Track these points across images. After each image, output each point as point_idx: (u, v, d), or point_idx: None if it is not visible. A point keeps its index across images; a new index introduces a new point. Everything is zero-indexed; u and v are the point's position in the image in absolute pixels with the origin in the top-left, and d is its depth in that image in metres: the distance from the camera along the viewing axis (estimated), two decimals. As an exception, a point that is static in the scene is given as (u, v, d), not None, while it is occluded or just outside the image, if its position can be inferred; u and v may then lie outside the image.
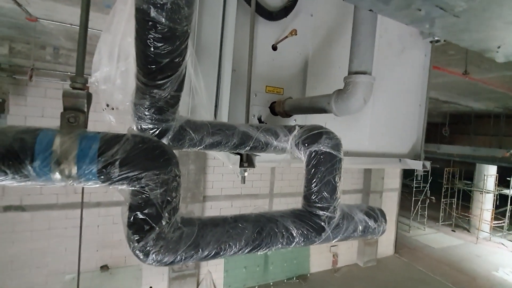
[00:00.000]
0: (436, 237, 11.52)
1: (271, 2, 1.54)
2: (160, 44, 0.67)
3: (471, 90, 7.26)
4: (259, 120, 1.57)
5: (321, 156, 1.03)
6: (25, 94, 5.49)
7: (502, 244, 10.94)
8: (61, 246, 5.41)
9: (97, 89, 2.38)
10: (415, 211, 12.49)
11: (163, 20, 0.62)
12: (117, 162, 0.68)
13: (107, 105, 2.44)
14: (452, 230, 12.34)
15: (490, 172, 11.35)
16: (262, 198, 7.52)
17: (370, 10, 0.91)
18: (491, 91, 6.74)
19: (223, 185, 6.82)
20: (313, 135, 1.07)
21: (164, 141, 1.00)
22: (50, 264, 5.39)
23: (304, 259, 7.67)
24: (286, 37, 1.48)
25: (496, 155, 8.03)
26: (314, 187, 1.02)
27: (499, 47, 1.09)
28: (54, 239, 5.39)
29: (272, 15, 1.49)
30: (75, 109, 0.70)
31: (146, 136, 0.77)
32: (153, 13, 0.61)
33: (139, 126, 0.94)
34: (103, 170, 0.68)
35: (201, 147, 1.09)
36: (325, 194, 1.02)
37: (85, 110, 0.71)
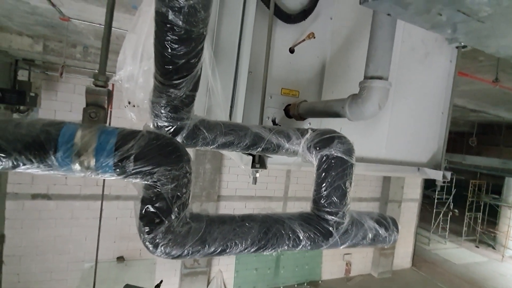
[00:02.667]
0: (457, 252, 10.95)
1: (290, 5, 1.55)
2: (177, 46, 0.70)
3: (502, 99, 6.86)
4: (273, 122, 1.58)
5: (332, 161, 1.03)
6: (56, 89, 5.83)
7: (532, 264, 10.21)
8: (82, 235, 5.68)
9: (120, 87, 2.49)
10: (436, 223, 11.94)
11: (180, 23, 0.65)
12: (132, 157, 0.72)
13: (129, 103, 2.54)
14: (476, 246, 11.68)
15: (521, 187, 10.65)
16: (276, 201, 7.50)
17: (388, 14, 0.90)
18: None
19: (238, 186, 6.87)
20: (325, 139, 1.07)
21: (178, 139, 1.03)
22: (71, 251, 5.67)
23: (316, 265, 7.55)
24: (304, 40, 1.48)
25: (528, 169, 7.53)
26: (324, 191, 1.02)
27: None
28: (76, 228, 5.67)
29: (291, 18, 1.50)
30: (96, 105, 0.74)
31: (160, 133, 0.80)
32: (171, 16, 0.64)
33: (156, 124, 0.98)
34: (119, 163, 0.71)
35: (214, 146, 1.12)
36: (334, 199, 1.01)
37: (105, 106, 0.76)
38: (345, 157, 1.03)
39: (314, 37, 1.45)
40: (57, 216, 5.57)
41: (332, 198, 1.01)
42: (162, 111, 0.92)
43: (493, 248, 11.36)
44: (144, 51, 2.57)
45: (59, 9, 3.80)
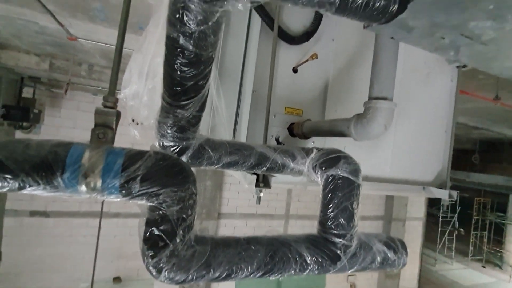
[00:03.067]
0: (464, 273, 10.61)
1: (293, 27, 1.59)
2: (186, 69, 0.71)
3: (504, 116, 6.89)
4: (277, 140, 1.58)
5: (339, 181, 1.01)
6: (60, 106, 5.91)
7: (542, 286, 9.86)
8: (79, 253, 5.55)
9: (125, 104, 2.53)
10: (442, 243, 11.65)
11: (191, 47, 0.66)
12: (139, 178, 0.71)
13: (133, 120, 2.57)
14: (483, 266, 11.33)
15: (526, 205, 10.47)
16: (278, 219, 7.37)
17: (392, 38, 0.92)
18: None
19: (239, 203, 6.78)
20: (331, 159, 1.06)
21: (184, 158, 1.03)
22: (68, 270, 5.52)
23: (320, 287, 7.30)
24: (307, 60, 1.51)
25: (534, 187, 7.44)
26: (331, 212, 1.00)
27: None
28: (74, 246, 5.55)
29: (294, 40, 1.54)
30: (105, 126, 0.74)
31: (167, 154, 0.80)
32: (181, 41, 0.65)
33: (161, 143, 0.98)
34: (125, 184, 0.71)
35: (219, 165, 1.12)
36: (341, 220, 0.99)
37: (114, 127, 0.76)
38: (351, 178, 1.01)
39: (317, 57, 1.48)
40: (55, 234, 5.47)
41: (340, 220, 0.99)
42: (169, 131, 0.93)
43: (500, 268, 11.01)
44: (150, 70, 2.63)
45: (67, 29, 3.92)
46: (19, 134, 5.56)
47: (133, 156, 0.74)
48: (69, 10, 3.24)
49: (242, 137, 1.55)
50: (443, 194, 1.97)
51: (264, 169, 1.16)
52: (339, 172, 1.02)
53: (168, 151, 1.00)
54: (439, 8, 0.72)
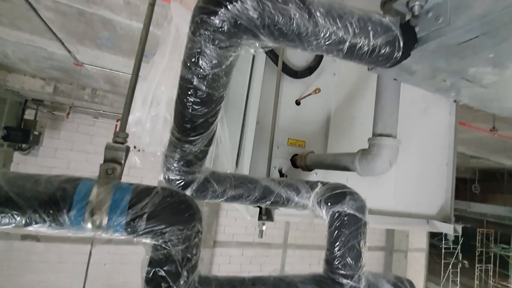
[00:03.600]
0: (472, 310, 10.09)
1: (296, 62, 1.66)
2: (198, 107, 0.73)
3: (501, 147, 6.96)
4: (280, 172, 1.57)
5: (345, 218, 1.00)
6: (59, 128, 5.95)
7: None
8: (68, 281, 5.29)
9: (127, 131, 2.54)
10: (446, 276, 11.21)
11: (204, 87, 0.69)
12: (145, 216, 0.70)
13: (134, 147, 2.58)
14: (491, 303, 10.81)
15: (530, 237, 10.23)
16: (275, 248, 7.13)
17: (395, 79, 0.96)
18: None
19: (235, 231, 6.60)
20: (337, 195, 1.05)
21: (188, 191, 1.02)
22: (55, 300, 5.23)
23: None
24: (310, 94, 1.55)
25: (536, 218, 7.33)
26: (337, 251, 0.97)
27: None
28: (63, 273, 5.31)
29: (297, 74, 1.59)
30: (114, 161, 0.74)
31: (174, 190, 0.79)
32: (195, 82, 0.68)
33: (167, 176, 0.98)
34: (131, 222, 0.69)
35: (223, 199, 1.10)
36: (349, 260, 0.96)
37: (123, 162, 0.76)
38: (358, 215, 1.00)
39: (320, 92, 1.52)
40: (45, 260, 5.25)
41: (347, 259, 0.96)
42: (175, 165, 0.93)
43: (509, 305, 10.50)
44: (154, 98, 2.68)
45: (75, 56, 4.05)
46: (17, 156, 5.53)
47: (141, 193, 0.73)
48: (78, 38, 3.37)
49: (245, 168, 1.55)
50: (448, 229, 1.94)
51: (268, 202, 1.15)
52: (346, 208, 1.01)
53: (173, 185, 1.00)
54: (440, 55, 0.75)
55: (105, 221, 0.68)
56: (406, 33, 0.70)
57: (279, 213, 1.42)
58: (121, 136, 0.77)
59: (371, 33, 0.67)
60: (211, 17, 0.58)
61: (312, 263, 7.44)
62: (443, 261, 11.35)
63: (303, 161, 1.47)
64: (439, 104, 2.18)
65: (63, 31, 3.12)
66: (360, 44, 0.67)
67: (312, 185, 1.19)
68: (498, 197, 10.97)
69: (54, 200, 0.64)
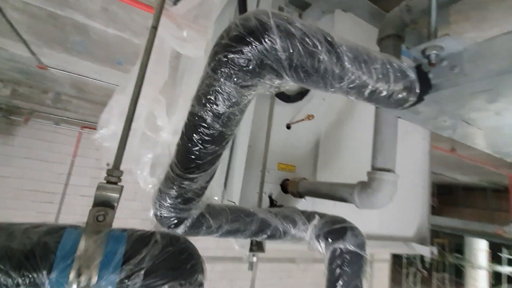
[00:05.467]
0: (431, 318, 10.66)
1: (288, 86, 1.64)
2: (208, 145, 0.66)
3: (456, 164, 7.60)
4: (270, 198, 1.52)
5: (347, 256, 0.97)
6: (14, 134, 5.39)
7: (502, 330, 10.16)
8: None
9: (100, 146, 2.34)
10: (407, 286, 11.78)
11: (218, 126, 0.62)
12: (142, 272, 0.60)
13: (107, 164, 2.36)
14: (447, 310, 11.52)
15: (480, 247, 11.17)
16: (246, 262, 6.98)
17: (398, 117, 0.96)
18: (477, 167, 7.07)
19: (205, 245, 6.35)
20: (337, 230, 1.02)
21: (181, 229, 0.93)
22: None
23: None
24: (303, 120, 1.54)
25: (488, 230, 8.03)
26: (340, 291, 0.94)
27: None
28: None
29: (289, 98, 1.57)
30: (105, 205, 0.64)
31: (174, 235, 0.70)
32: (209, 120, 0.61)
33: (159, 213, 0.88)
34: (125, 280, 0.59)
35: (218, 234, 1.02)
36: (351, 300, 0.92)
37: (116, 205, 0.66)
38: (360, 252, 0.98)
39: (313, 118, 1.51)
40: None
41: (350, 300, 0.92)
42: (170, 202, 0.83)
43: (464, 312, 11.26)
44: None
45: (39, 58, 3.73)
46: (-39, 164, 4.88)
47: (137, 242, 0.63)
48: (46, 40, 3.10)
49: (235, 193, 1.48)
50: (425, 251, 2.01)
51: (265, 236, 1.09)
52: (347, 245, 0.98)
53: (165, 222, 0.90)
54: (450, 101, 0.77)
55: (94, 280, 0.57)
56: (421, 79, 0.70)
57: (270, 244, 1.36)
58: (115, 175, 0.66)
59: (391, 79, 0.66)
60: (237, 56, 0.53)
61: (282, 277, 7.39)
62: (404, 270, 11.94)
63: (296, 188, 1.44)
64: (414, 129, 2.30)
65: (30, 33, 2.85)
66: (380, 89, 0.66)
67: (308, 216, 1.15)
68: (453, 210, 11.91)
69: (32, 259, 0.52)
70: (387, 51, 1.11)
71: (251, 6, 1.55)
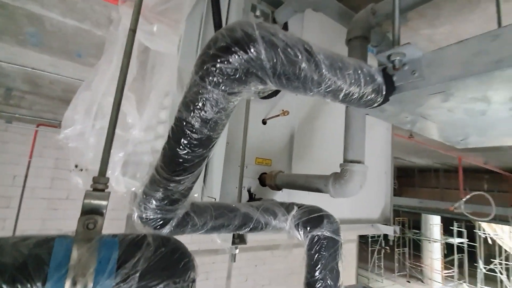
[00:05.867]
0: (393, 289, 11.70)
1: (262, 82, 1.68)
2: (196, 149, 0.68)
3: (414, 149, 8.29)
4: (249, 191, 1.58)
5: (324, 241, 1.06)
6: (-45, 134, 4.85)
7: (453, 294, 11.47)
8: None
9: (65, 146, 2.21)
10: (372, 262, 12.77)
11: (206, 130, 0.65)
12: (137, 274, 0.62)
13: (76, 166, 2.25)
14: (407, 281, 12.71)
15: (434, 222, 12.41)
16: (222, 254, 7.07)
17: (367, 114, 1.06)
18: (431, 151, 7.76)
19: (180, 240, 6.32)
20: (314, 219, 1.11)
21: (167, 229, 0.94)
22: None
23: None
24: (278, 115, 1.60)
25: (440, 207, 8.93)
26: (319, 274, 1.03)
27: (462, 140, 1.31)
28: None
29: (265, 95, 1.62)
30: (94, 213, 0.64)
31: (165, 237, 0.72)
32: (197, 125, 0.64)
33: (144, 216, 0.89)
34: (121, 284, 0.61)
35: (203, 231, 1.05)
36: (329, 282, 1.02)
37: (104, 212, 0.66)
38: (335, 237, 1.07)
39: (288, 114, 1.58)
40: None
41: (328, 281, 1.02)
42: (156, 204, 0.85)
43: (422, 281, 12.53)
44: (99, 110, 2.39)
45: (-12, 52, 3.37)
46: None
47: (129, 246, 0.64)
48: (-7, 31, 2.80)
49: (214, 188, 1.51)
50: (389, 230, 2.22)
51: (247, 229, 1.14)
52: (324, 232, 1.07)
53: (150, 224, 0.91)
54: (411, 101, 0.87)
55: (89, 287, 0.58)
56: (387, 82, 0.79)
57: (250, 235, 1.42)
58: (101, 182, 0.66)
59: (362, 83, 0.73)
60: (224, 65, 0.56)
61: (257, 264, 7.62)
62: (370, 248, 12.90)
63: (273, 181, 1.51)
64: (380, 122, 2.48)
65: (-26, 24, 2.55)
66: (353, 92, 0.73)
67: (287, 207, 1.22)
68: (411, 190, 12.99)
69: (25, 271, 0.52)
70: (355, 51, 1.19)
71: (223, 3, 1.55)
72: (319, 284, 1.02)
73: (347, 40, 1.25)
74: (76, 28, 2.92)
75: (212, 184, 1.56)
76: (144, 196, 0.86)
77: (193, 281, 0.72)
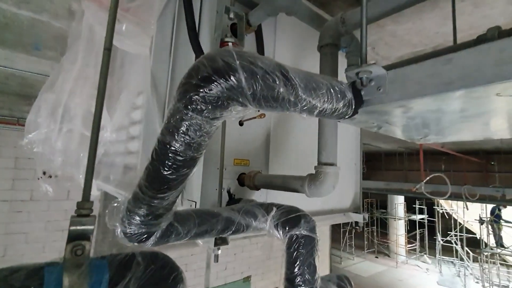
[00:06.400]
0: (363, 266, 12.60)
1: (237, 83, 1.70)
2: (180, 169, 0.71)
3: (380, 135, 8.79)
4: (229, 192, 1.62)
5: (302, 240, 1.14)
6: None
7: (418, 266, 12.62)
8: None
9: (30, 152, 2.09)
10: (344, 242, 13.59)
11: (190, 152, 0.67)
12: (130, 294, 0.65)
13: (44, 173, 2.15)
14: (376, 257, 13.74)
15: (399, 201, 13.42)
16: (201, 246, 7.12)
17: (338, 121, 1.13)
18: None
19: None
20: (293, 219, 1.19)
21: (151, 240, 0.96)
22: None
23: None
24: (255, 117, 1.63)
25: (403, 188, 9.66)
26: (297, 270, 1.11)
27: (421, 138, 1.45)
28: None
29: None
30: (81, 238, 0.65)
31: (153, 252, 0.75)
32: (181, 148, 0.66)
33: (128, 231, 0.90)
34: (114, 305, 0.63)
35: (187, 238, 1.08)
36: (307, 276, 1.11)
37: (91, 236, 0.67)
38: (312, 235, 1.16)
39: (265, 116, 1.62)
40: None
41: (306, 276, 1.11)
42: (141, 219, 0.86)
43: (389, 256, 13.60)
44: (66, 112, 2.27)
45: None
46: None
47: (119, 267, 0.67)
48: None
49: (195, 192, 1.53)
50: (359, 218, 2.40)
51: (230, 232, 1.19)
52: (302, 231, 1.15)
53: (134, 239, 0.92)
54: (377, 113, 0.95)
55: (83, 312, 0.60)
56: (356, 97, 0.86)
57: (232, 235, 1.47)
58: (86, 207, 0.67)
59: (334, 100, 0.79)
60: (207, 94, 0.58)
61: (236, 252, 7.81)
62: (341, 229, 13.68)
63: (252, 181, 1.56)
64: (348, 114, 2.62)
65: None
66: (326, 108, 0.79)
67: (267, 208, 1.29)
68: (378, 173, 13.83)
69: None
70: (327, 59, 1.26)
71: (195, 4, 1.52)
72: (298, 279, 1.11)
73: (318, 47, 1.31)
74: (32, 20, 2.70)
75: (192, 188, 1.58)
76: (128, 213, 0.87)
77: (183, 292, 0.76)
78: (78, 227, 0.65)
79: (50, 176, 2.01)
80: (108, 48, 0.74)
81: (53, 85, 2.10)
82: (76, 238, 0.64)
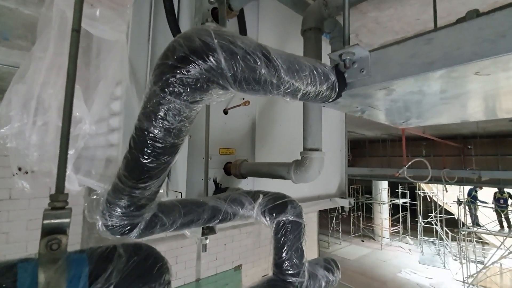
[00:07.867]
0: (350, 249, 13.04)
1: (220, 71, 1.66)
2: (161, 157, 0.68)
3: (364, 122, 8.96)
4: (215, 182, 1.60)
5: (289, 225, 1.15)
6: None
7: (401, 247, 13.19)
8: None
9: (3, 148, 1.99)
10: (331, 227, 13.97)
11: (170, 139, 0.65)
12: (112, 287, 0.63)
13: (20, 169, 2.04)
14: (362, 241, 14.23)
15: (383, 187, 13.85)
16: (190, 238, 7.12)
17: (323, 105, 1.13)
18: (378, 123, 8.47)
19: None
20: (279, 205, 1.18)
21: (135, 232, 0.93)
22: None
23: None
24: (239, 105, 1.61)
25: (387, 173, 9.95)
26: (285, 255, 1.12)
27: (403, 122, 1.47)
28: None
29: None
30: (57, 232, 0.61)
31: (136, 243, 0.73)
32: (160, 134, 0.63)
33: (110, 224, 0.86)
34: (95, 299, 0.61)
35: (173, 229, 1.06)
36: (295, 260, 1.12)
37: (68, 230, 0.64)
38: (299, 220, 1.17)
39: (249, 104, 1.60)
40: None
41: (293, 260, 1.12)
42: (123, 211, 0.83)
43: (373, 239, 14.12)
44: (39, 104, 2.16)
45: None
46: None
47: (100, 260, 0.64)
48: None
49: (180, 182, 1.51)
50: (345, 203, 2.45)
51: (217, 221, 1.18)
52: (289, 217, 1.15)
53: (116, 231, 0.89)
54: (360, 95, 0.95)
55: (62, 308, 0.57)
56: (340, 79, 0.85)
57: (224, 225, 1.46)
58: (61, 200, 0.63)
59: (318, 82, 0.78)
60: (185, 76, 0.55)
61: (227, 243, 7.87)
62: (329, 216, 14.04)
63: (238, 170, 1.55)
64: (333, 101, 2.63)
65: None
66: (309, 91, 0.77)
67: (253, 196, 1.28)
68: (363, 160, 14.17)
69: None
70: (310, 43, 1.23)
71: (174, -13, 1.45)
72: (286, 264, 1.12)
73: (302, 31, 1.28)
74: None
75: (177, 178, 1.55)
76: (108, 205, 0.83)
77: (169, 283, 0.75)
78: (53, 221, 0.61)
79: (27, 172, 1.91)
80: (77, 29, 0.69)
81: (24, 76, 1.97)
82: (51, 232, 0.61)
